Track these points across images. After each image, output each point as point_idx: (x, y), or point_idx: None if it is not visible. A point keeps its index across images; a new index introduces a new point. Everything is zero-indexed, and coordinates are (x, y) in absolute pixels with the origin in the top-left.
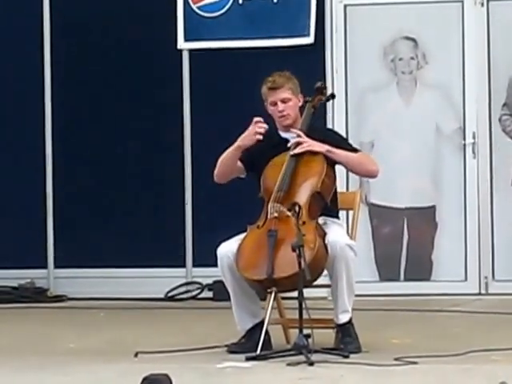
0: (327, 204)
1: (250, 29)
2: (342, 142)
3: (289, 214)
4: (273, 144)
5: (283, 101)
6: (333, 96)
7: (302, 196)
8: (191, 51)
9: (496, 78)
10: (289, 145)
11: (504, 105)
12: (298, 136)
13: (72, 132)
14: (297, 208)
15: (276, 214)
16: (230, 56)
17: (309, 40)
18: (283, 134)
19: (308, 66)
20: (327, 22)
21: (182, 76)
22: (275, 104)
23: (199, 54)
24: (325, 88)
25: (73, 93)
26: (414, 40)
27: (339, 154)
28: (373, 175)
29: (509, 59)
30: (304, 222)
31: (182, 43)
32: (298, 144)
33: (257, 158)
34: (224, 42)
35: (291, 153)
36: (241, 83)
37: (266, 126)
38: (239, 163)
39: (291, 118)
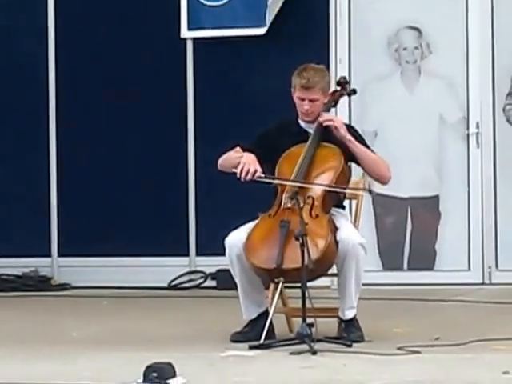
0: (340, 199)
1: (253, 17)
2: (361, 142)
3: (299, 202)
4: (291, 133)
5: (311, 100)
6: (354, 91)
7: (317, 189)
8: (195, 40)
9: (500, 67)
10: (320, 119)
11: (508, 94)
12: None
13: (76, 120)
14: (299, 198)
15: (289, 205)
16: (233, 45)
17: (262, 31)
18: (302, 124)
19: (312, 56)
20: (331, 11)
21: (185, 65)
22: (303, 100)
23: (203, 42)
24: (347, 82)
25: (77, 82)
26: (418, 30)
27: (359, 146)
28: (384, 181)
29: None
30: (317, 215)
31: (185, 32)
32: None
33: (273, 147)
34: (227, 30)
35: (320, 119)
36: (245, 72)
37: (249, 177)
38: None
39: (314, 115)
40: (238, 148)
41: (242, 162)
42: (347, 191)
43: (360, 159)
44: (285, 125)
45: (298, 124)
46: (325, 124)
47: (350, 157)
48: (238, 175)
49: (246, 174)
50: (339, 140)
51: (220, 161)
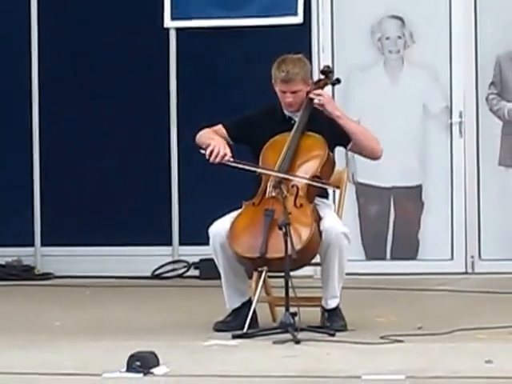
0: (325, 188)
1: (237, 7)
2: None
3: (282, 192)
4: (275, 121)
5: (294, 92)
6: (338, 80)
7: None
8: (178, 30)
9: (483, 56)
10: (311, 95)
11: (491, 84)
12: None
13: (59, 108)
14: (283, 187)
15: (274, 194)
16: (217, 35)
17: (297, 19)
18: (287, 112)
19: (295, 44)
20: (314, 0)
21: (168, 55)
22: (285, 92)
23: (186, 32)
24: (331, 71)
25: (60, 69)
26: (401, 19)
27: (349, 122)
28: (377, 155)
29: (496, 38)
30: (301, 205)
31: (168, 22)
32: (318, 95)
33: (255, 132)
34: (211, 20)
35: (310, 95)
36: (228, 62)
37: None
38: (224, 132)
39: (297, 105)
40: (219, 126)
41: (213, 144)
42: (304, 181)
43: (351, 134)
44: (270, 111)
45: (283, 112)
46: (312, 98)
47: (337, 140)
48: (207, 156)
49: (216, 156)
50: (326, 123)
51: (197, 135)
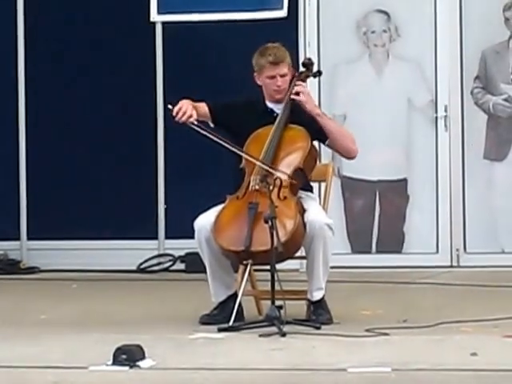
0: (308, 181)
1: (224, 2)
2: None
3: (268, 185)
4: (258, 113)
5: (282, 76)
6: (319, 72)
7: (285, 171)
8: (164, 24)
9: (468, 50)
10: (291, 96)
11: (476, 78)
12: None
13: (45, 103)
14: (269, 180)
15: (257, 187)
16: (203, 29)
17: (282, 13)
18: (269, 104)
19: (281, 39)
20: None
21: (155, 49)
22: (273, 77)
23: (172, 26)
24: (312, 64)
25: (46, 62)
26: (386, 13)
27: (328, 121)
28: (351, 155)
29: (481, 32)
30: (285, 197)
31: (155, 16)
32: (298, 93)
33: (236, 120)
34: (197, 15)
35: (291, 96)
36: (214, 56)
37: (184, 119)
38: (207, 111)
39: (284, 91)
40: (203, 103)
41: (181, 103)
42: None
43: (329, 133)
44: (252, 103)
45: (265, 104)
46: (294, 97)
47: (316, 135)
48: (173, 113)
49: (182, 115)
50: (307, 117)
51: None
